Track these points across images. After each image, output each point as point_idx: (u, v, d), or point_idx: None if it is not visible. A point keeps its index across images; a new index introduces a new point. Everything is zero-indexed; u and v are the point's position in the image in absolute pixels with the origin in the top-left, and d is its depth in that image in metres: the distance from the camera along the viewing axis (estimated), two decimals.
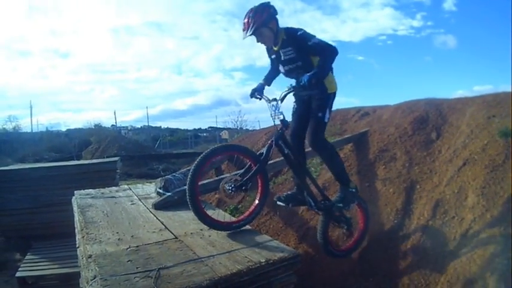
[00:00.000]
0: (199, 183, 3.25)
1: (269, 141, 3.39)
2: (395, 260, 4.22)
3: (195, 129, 48.33)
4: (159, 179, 4.58)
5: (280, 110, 3.41)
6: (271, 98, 3.46)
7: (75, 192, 4.77)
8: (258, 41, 3.51)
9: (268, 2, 3.49)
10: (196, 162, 3.11)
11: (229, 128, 33.78)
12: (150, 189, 4.94)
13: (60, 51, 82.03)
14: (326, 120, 3.54)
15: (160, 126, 43.32)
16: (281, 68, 3.63)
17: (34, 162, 18.44)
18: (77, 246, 3.18)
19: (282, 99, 3.39)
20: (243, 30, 3.42)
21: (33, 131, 38.43)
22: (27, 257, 6.66)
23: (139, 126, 44.54)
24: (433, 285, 3.79)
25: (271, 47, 3.58)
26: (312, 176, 3.86)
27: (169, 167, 16.29)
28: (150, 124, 43.46)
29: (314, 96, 3.56)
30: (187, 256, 2.65)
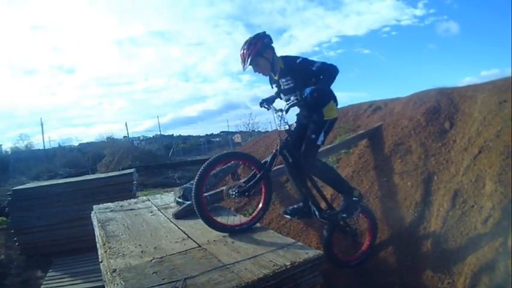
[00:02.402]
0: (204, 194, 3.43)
1: (273, 150, 3.51)
2: (418, 254, 4.19)
3: (207, 134, 48.72)
4: (178, 188, 4.60)
5: (285, 120, 3.55)
6: (277, 109, 3.59)
7: (94, 206, 4.80)
8: (255, 71, 3.60)
9: (263, 32, 3.57)
10: (199, 172, 3.23)
11: (242, 131, 33.61)
12: (169, 198, 4.97)
13: (66, 67, 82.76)
14: (319, 143, 3.60)
15: (173, 134, 43.48)
16: (282, 97, 3.74)
17: (49, 179, 18.62)
18: (100, 261, 3.18)
19: (287, 111, 3.51)
20: (241, 62, 3.52)
21: (46, 148, 38.67)
22: (48, 274, 6.73)
23: (152, 136, 44.76)
24: (457, 276, 3.76)
25: (272, 75, 3.68)
26: (317, 185, 3.92)
27: (184, 174, 16.33)
28: (162, 133, 43.53)
29: (312, 119, 3.65)
30: (212, 264, 2.66)
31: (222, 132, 46.96)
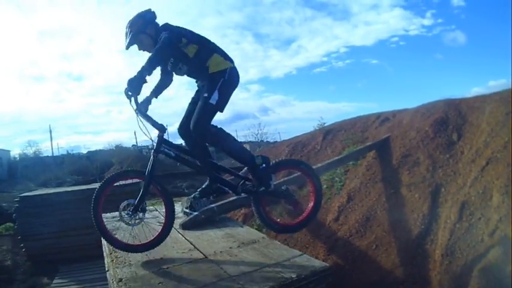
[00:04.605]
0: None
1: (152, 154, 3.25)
2: (425, 266, 4.19)
3: None
4: (186, 198, 4.58)
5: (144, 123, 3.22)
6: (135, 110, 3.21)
7: (104, 215, 4.79)
8: (139, 49, 3.45)
9: (147, 10, 3.49)
10: (93, 197, 3.18)
11: (251, 141, 33.60)
12: (176, 208, 4.91)
13: (74, 74, 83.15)
14: (212, 101, 3.23)
15: (181, 144, 43.42)
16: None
17: (57, 186, 18.70)
18: (106, 269, 3.17)
19: (137, 110, 3.18)
20: (124, 41, 3.42)
21: (54, 155, 38.88)
22: (55, 281, 6.79)
23: None
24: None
25: None
26: (219, 165, 3.56)
27: (193, 184, 16.26)
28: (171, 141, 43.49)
29: (203, 81, 3.41)
30: (219, 275, 2.66)
31: None
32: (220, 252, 3.18)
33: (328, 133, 7.54)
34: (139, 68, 3.02)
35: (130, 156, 26.69)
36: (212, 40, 3.45)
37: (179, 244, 3.50)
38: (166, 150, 3.30)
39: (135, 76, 3.00)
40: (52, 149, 39.39)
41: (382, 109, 7.52)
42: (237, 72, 3.47)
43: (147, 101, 3.35)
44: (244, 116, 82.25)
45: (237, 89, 3.46)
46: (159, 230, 3.25)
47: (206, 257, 3.08)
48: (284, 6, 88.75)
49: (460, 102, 5.98)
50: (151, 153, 3.25)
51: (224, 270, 2.75)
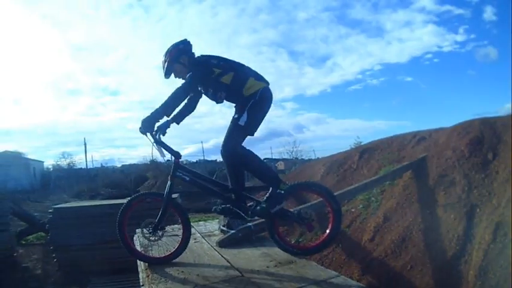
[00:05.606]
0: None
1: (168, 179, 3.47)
2: (459, 287, 4.17)
3: None
4: (222, 216, 4.61)
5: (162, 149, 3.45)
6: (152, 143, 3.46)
7: (137, 230, 4.87)
8: (175, 77, 3.64)
9: (182, 40, 3.69)
10: (118, 219, 3.44)
11: (285, 159, 33.56)
12: (213, 226, 5.04)
13: (110, 89, 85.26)
14: (241, 123, 3.38)
15: (216, 160, 43.27)
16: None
17: (90, 198, 19.07)
18: (141, 284, 3.26)
19: (154, 143, 3.41)
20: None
21: (88, 167, 39.64)
22: None
23: (195, 161, 44.89)
24: None
25: None
26: (242, 192, 3.58)
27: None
28: (205, 158, 44.29)
29: (237, 104, 3.54)
30: None
31: (266, 159, 46.76)
32: (257, 271, 3.18)
33: (364, 152, 7.61)
34: (156, 107, 3.30)
35: (165, 171, 27.00)
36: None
37: (216, 261, 3.51)
38: (181, 175, 3.50)
39: (148, 117, 3.28)
40: (86, 161, 40.32)
41: (416, 127, 7.50)
42: (270, 93, 3.59)
43: (166, 126, 3.47)
44: (279, 133, 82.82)
45: (271, 107, 3.55)
46: (176, 247, 3.49)
47: (242, 275, 3.09)
48: (318, 24, 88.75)
49: (495, 120, 5.97)
50: (168, 178, 3.46)
51: None
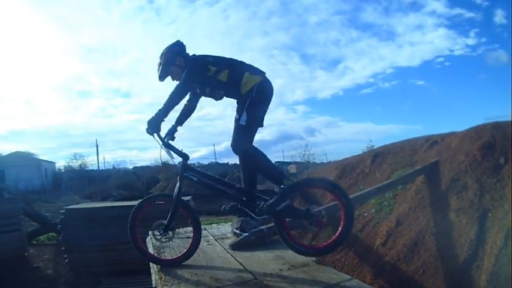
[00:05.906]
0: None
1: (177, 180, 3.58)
2: None
3: None
4: (235, 219, 4.64)
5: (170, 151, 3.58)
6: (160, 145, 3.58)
7: (150, 232, 4.90)
8: (172, 79, 3.69)
9: (175, 42, 3.74)
10: (129, 220, 3.56)
11: (297, 162, 33.44)
12: (226, 229, 5.06)
13: (121, 91, 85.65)
14: (242, 122, 3.46)
15: (228, 163, 43.18)
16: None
17: (102, 200, 19.15)
18: (154, 286, 3.30)
19: (162, 145, 3.55)
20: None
21: (100, 169, 39.83)
22: None
23: (207, 163, 44.96)
24: None
25: None
26: (253, 192, 3.63)
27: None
28: (217, 161, 44.71)
29: (237, 102, 3.60)
30: None
31: (277, 162, 46.61)
32: (270, 274, 3.20)
33: (376, 156, 7.60)
34: (159, 107, 3.44)
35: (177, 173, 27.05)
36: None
37: (229, 264, 3.54)
38: (189, 175, 3.61)
39: (153, 117, 3.43)
40: (98, 162, 40.53)
41: (427, 131, 7.46)
42: (268, 83, 3.61)
43: (172, 132, 3.61)
44: (290, 136, 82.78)
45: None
46: (186, 249, 3.56)
47: (256, 278, 3.11)
48: (330, 27, 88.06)
49: (507, 125, 5.93)
50: (177, 179, 3.58)
51: None
